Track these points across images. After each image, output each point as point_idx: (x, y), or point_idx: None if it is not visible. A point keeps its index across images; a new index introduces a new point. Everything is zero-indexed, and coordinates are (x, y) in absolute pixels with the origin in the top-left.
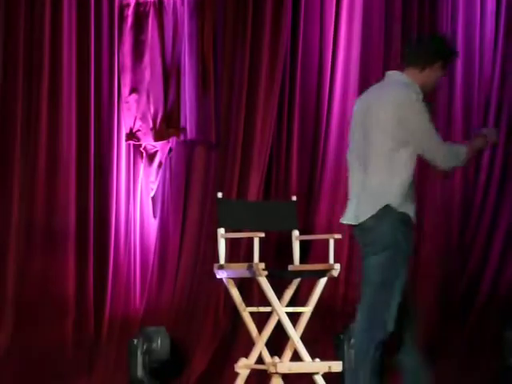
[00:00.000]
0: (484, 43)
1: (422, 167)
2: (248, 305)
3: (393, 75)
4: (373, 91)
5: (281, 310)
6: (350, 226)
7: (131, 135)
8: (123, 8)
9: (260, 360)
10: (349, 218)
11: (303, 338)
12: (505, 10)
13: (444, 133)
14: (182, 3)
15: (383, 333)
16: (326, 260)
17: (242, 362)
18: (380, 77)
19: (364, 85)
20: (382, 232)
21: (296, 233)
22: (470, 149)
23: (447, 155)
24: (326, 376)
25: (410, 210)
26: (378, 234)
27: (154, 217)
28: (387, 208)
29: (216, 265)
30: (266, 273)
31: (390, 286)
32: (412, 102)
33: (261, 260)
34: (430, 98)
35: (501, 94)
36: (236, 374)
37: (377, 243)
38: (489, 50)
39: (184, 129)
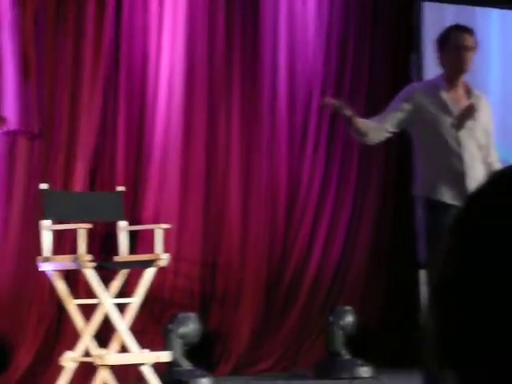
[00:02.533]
0: (307, 34)
1: (250, 159)
2: (75, 297)
3: None
4: None
5: (108, 301)
6: None
7: None
8: None
9: (87, 353)
10: None
11: (131, 329)
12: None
13: (269, 128)
14: None
15: None
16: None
17: (68, 355)
18: (205, 66)
19: (189, 74)
20: None
21: (123, 223)
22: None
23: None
24: (154, 366)
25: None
26: None
27: None
28: None
29: (40, 257)
30: (92, 264)
31: None
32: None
33: (88, 251)
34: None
35: (324, 88)
36: (62, 368)
37: None
38: (312, 41)
39: (5, 119)
